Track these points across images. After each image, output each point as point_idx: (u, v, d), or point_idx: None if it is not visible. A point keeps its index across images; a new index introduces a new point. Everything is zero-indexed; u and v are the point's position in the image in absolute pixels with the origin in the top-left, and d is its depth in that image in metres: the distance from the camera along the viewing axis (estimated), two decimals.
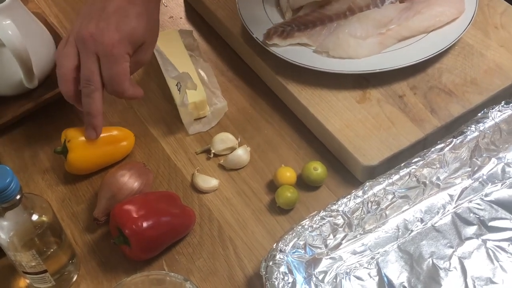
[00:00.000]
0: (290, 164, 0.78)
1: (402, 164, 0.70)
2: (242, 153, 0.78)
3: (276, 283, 0.63)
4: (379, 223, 0.69)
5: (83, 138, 0.75)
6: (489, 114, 0.73)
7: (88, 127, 0.74)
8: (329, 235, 0.67)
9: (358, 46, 0.81)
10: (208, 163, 0.80)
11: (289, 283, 0.63)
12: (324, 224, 0.67)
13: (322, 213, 0.67)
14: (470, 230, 0.69)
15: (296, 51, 0.82)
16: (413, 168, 0.70)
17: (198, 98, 0.81)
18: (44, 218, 0.64)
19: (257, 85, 0.87)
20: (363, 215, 0.68)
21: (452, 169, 0.72)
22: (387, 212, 0.70)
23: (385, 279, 0.66)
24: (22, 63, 0.78)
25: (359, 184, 0.71)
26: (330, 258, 0.67)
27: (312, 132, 0.81)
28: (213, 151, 0.80)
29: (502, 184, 0.72)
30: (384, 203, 0.69)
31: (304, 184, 0.76)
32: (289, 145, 0.81)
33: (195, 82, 0.80)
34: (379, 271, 0.67)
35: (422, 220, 0.70)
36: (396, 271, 0.67)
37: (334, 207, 0.68)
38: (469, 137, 0.72)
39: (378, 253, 0.68)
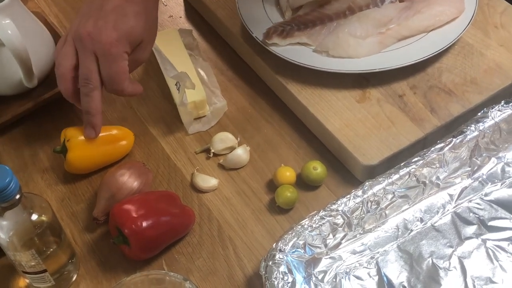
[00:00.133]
0: (290, 163, 0.78)
1: (402, 164, 0.70)
2: (241, 153, 0.78)
3: (275, 282, 0.63)
4: (379, 223, 0.69)
5: (82, 138, 0.75)
6: (489, 113, 0.73)
7: (87, 126, 0.74)
8: (328, 234, 0.67)
9: (358, 46, 0.81)
10: (208, 163, 0.80)
11: (288, 282, 0.63)
12: (323, 223, 0.67)
13: (322, 213, 0.67)
14: (470, 230, 0.69)
15: (295, 50, 0.82)
16: (413, 168, 0.70)
17: (197, 98, 0.81)
18: (43, 218, 0.64)
19: (257, 85, 0.87)
20: (363, 215, 0.68)
21: (452, 168, 0.72)
22: (386, 212, 0.70)
23: (385, 278, 0.66)
24: (21, 63, 0.78)
25: (358, 183, 0.71)
26: (330, 257, 0.67)
27: (311, 132, 0.81)
28: (212, 150, 0.80)
29: (501, 184, 0.72)
30: (384, 202, 0.69)
31: (304, 183, 0.76)
32: (288, 144, 0.81)
33: (195, 82, 0.80)
34: (379, 271, 0.67)
35: (421, 220, 0.70)
36: (396, 271, 0.67)
37: (334, 206, 0.68)
38: (469, 137, 0.71)
39: (378, 252, 0.68)
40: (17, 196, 0.59)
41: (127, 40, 0.70)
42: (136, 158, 0.80)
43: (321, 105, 0.79)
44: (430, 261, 0.67)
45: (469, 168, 0.72)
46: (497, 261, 0.67)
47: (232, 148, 0.80)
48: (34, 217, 0.63)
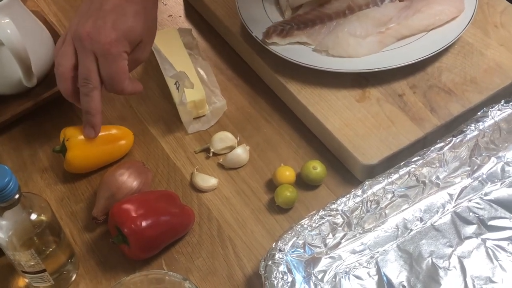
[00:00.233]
0: (290, 163, 0.78)
1: (402, 163, 0.70)
2: (241, 152, 0.78)
3: (275, 282, 0.63)
4: (379, 222, 0.69)
5: (82, 137, 0.75)
6: (489, 113, 0.73)
7: (87, 126, 0.74)
8: (328, 234, 0.67)
9: (358, 45, 0.81)
10: (207, 162, 0.79)
11: (288, 282, 0.63)
12: (323, 223, 0.67)
13: (322, 212, 0.67)
14: (470, 229, 0.69)
15: (295, 49, 0.82)
16: (412, 167, 0.70)
17: (197, 97, 0.81)
18: (43, 217, 0.64)
19: (257, 84, 0.87)
20: (363, 214, 0.68)
21: (452, 168, 0.72)
22: (386, 211, 0.70)
23: (385, 278, 0.66)
24: (21, 62, 0.78)
25: (358, 183, 0.71)
26: (330, 257, 0.67)
27: (311, 131, 0.81)
28: (212, 150, 0.79)
29: (501, 183, 0.72)
30: (384, 202, 0.69)
31: (303, 183, 0.76)
32: (288, 144, 0.80)
33: (194, 81, 0.80)
34: (379, 270, 0.67)
35: (421, 219, 0.70)
36: (396, 270, 0.67)
37: (334, 206, 0.68)
38: (468, 136, 0.71)
39: (378, 252, 0.68)
40: (16, 196, 0.59)
41: (126, 40, 0.70)
42: (136, 158, 0.80)
43: (320, 105, 0.79)
44: (430, 261, 0.67)
45: (469, 168, 0.72)
46: (497, 260, 0.67)
47: (231, 148, 0.80)
48: (33, 216, 0.63)
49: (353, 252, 0.68)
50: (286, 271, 0.64)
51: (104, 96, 0.73)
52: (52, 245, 0.65)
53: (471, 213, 0.70)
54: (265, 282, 0.63)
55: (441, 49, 0.80)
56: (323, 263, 0.67)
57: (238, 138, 0.81)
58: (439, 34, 0.82)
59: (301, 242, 0.66)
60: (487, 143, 0.73)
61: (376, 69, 0.79)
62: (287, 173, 0.75)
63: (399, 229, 0.69)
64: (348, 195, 0.68)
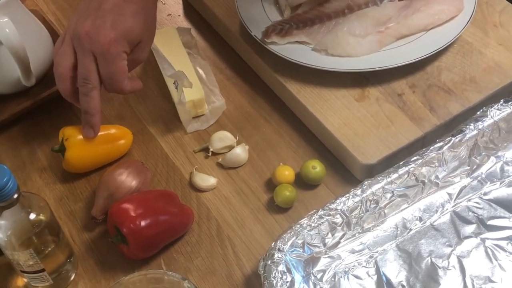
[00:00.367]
0: (289, 162, 0.78)
1: (401, 163, 0.70)
2: (240, 152, 0.78)
3: (274, 282, 0.63)
4: (378, 222, 0.69)
5: (81, 137, 0.75)
6: (488, 112, 0.73)
7: (86, 126, 0.74)
8: (327, 234, 0.67)
9: (357, 44, 0.81)
10: (207, 162, 0.79)
11: (287, 282, 0.63)
12: (322, 223, 0.67)
13: (321, 212, 0.67)
14: (469, 229, 0.69)
15: (294, 49, 0.82)
16: (412, 167, 0.69)
17: (196, 96, 0.81)
18: (41, 217, 0.63)
19: (256, 83, 0.87)
20: (362, 214, 0.68)
21: (451, 167, 0.71)
22: (385, 211, 0.69)
23: (384, 278, 0.66)
24: (19, 61, 0.78)
25: (357, 182, 0.71)
26: (329, 257, 0.67)
27: (310, 131, 0.81)
28: (211, 149, 0.79)
29: (501, 183, 0.72)
30: (383, 201, 0.69)
31: (303, 182, 0.76)
32: (287, 143, 0.80)
33: (193, 80, 0.80)
34: (378, 270, 0.67)
35: (421, 219, 0.70)
36: (395, 270, 0.67)
37: (333, 205, 0.67)
38: (468, 136, 0.71)
39: (377, 252, 0.68)
40: (15, 195, 0.59)
41: (126, 40, 0.70)
42: (135, 157, 0.80)
43: (320, 104, 0.79)
44: (429, 260, 0.67)
45: (468, 167, 0.72)
46: (496, 260, 0.67)
47: (230, 147, 0.80)
48: (32, 216, 0.63)
49: (352, 251, 0.68)
50: (285, 271, 0.64)
51: (103, 95, 0.73)
52: (51, 245, 0.65)
53: (470, 213, 0.70)
54: (264, 282, 0.63)
55: (440, 49, 0.80)
56: (322, 262, 0.67)
57: (237, 138, 0.80)
58: (439, 34, 0.82)
59: (300, 241, 0.66)
60: (487, 143, 0.73)
61: (376, 69, 0.79)
62: (286, 173, 0.75)
63: (398, 229, 0.69)
64: (347, 195, 0.68)
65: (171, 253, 0.71)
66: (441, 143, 0.71)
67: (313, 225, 0.66)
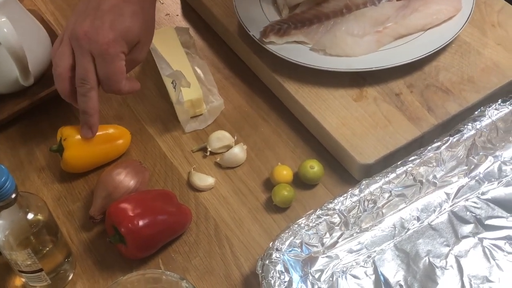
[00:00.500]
0: (287, 162, 0.78)
1: (399, 163, 0.70)
2: (238, 151, 0.78)
3: (272, 281, 0.63)
4: (376, 222, 0.69)
5: (79, 136, 0.75)
6: (486, 112, 0.73)
7: (84, 126, 0.74)
8: (325, 233, 0.67)
9: (355, 44, 0.81)
10: (205, 161, 0.79)
11: (285, 281, 0.63)
12: (320, 222, 0.67)
13: (319, 212, 0.67)
14: (467, 229, 0.69)
15: (292, 49, 0.82)
16: (409, 167, 0.70)
17: (194, 96, 0.81)
18: (39, 217, 0.63)
19: (254, 83, 0.87)
20: (360, 214, 0.68)
21: (449, 167, 0.72)
22: (383, 211, 0.70)
23: (382, 277, 0.66)
24: (17, 61, 0.78)
25: (355, 182, 0.71)
26: (327, 256, 0.67)
27: (308, 130, 0.81)
28: (209, 149, 0.79)
29: (498, 183, 0.72)
30: (381, 201, 0.69)
31: (301, 182, 0.76)
32: (285, 143, 0.80)
33: (191, 80, 0.80)
34: (376, 270, 0.67)
35: (418, 219, 0.70)
36: (393, 270, 0.67)
37: (331, 205, 0.68)
38: (465, 136, 0.71)
39: (375, 251, 0.68)
40: (13, 195, 0.59)
41: (124, 40, 0.70)
42: (133, 157, 0.80)
43: (318, 104, 0.79)
44: (427, 260, 0.67)
45: (466, 167, 0.72)
46: (494, 260, 0.67)
47: (229, 147, 0.80)
48: (30, 216, 0.63)
49: (350, 251, 0.68)
50: (283, 271, 0.64)
51: (101, 95, 0.73)
52: (49, 245, 0.65)
53: (468, 212, 0.70)
54: (262, 282, 0.63)
55: (438, 48, 0.80)
56: (320, 262, 0.67)
57: (235, 137, 0.80)
58: (437, 33, 0.82)
59: (298, 241, 0.66)
60: (484, 142, 0.73)
61: (374, 68, 0.79)
62: (284, 172, 0.75)
63: (396, 229, 0.69)
64: (345, 195, 0.68)
65: (169, 253, 0.71)
66: (439, 143, 0.71)
67: (311, 224, 0.66)
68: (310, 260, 0.66)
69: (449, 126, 0.75)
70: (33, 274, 0.66)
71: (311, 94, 0.80)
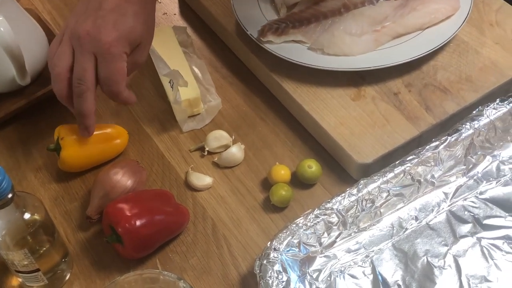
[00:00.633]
0: (285, 162, 0.78)
1: (397, 162, 0.70)
2: (236, 151, 0.78)
3: (270, 281, 0.62)
4: (374, 221, 0.69)
5: (76, 136, 0.75)
6: (484, 111, 0.73)
7: (81, 126, 0.73)
8: (323, 233, 0.67)
9: (353, 43, 0.81)
10: (202, 161, 0.79)
11: (283, 281, 0.63)
12: (318, 222, 0.67)
13: (317, 211, 0.67)
14: (465, 228, 0.69)
15: (290, 48, 0.82)
16: (407, 166, 0.69)
17: (192, 95, 0.81)
18: (36, 217, 0.63)
19: (252, 82, 0.87)
20: (358, 213, 0.68)
21: (447, 167, 0.71)
22: (381, 210, 0.69)
23: (380, 277, 0.66)
24: (14, 60, 0.78)
25: (353, 182, 0.71)
26: (325, 256, 0.67)
27: (306, 130, 0.81)
28: (207, 148, 0.79)
29: (497, 182, 0.72)
30: (379, 201, 0.69)
31: (299, 182, 0.75)
32: (283, 142, 0.80)
33: (189, 79, 0.80)
34: (374, 269, 0.67)
35: (416, 218, 0.70)
36: (391, 269, 0.67)
37: (329, 205, 0.67)
38: (464, 135, 0.71)
39: (373, 251, 0.68)
40: (10, 195, 0.58)
41: (127, 41, 0.69)
42: (130, 157, 0.80)
43: (316, 103, 0.79)
44: (425, 260, 0.67)
45: (464, 167, 0.72)
46: (492, 259, 0.67)
47: (226, 146, 0.79)
48: (27, 216, 0.62)
49: (348, 251, 0.68)
50: (281, 270, 0.64)
51: (99, 95, 0.73)
52: (45, 245, 0.65)
53: (466, 212, 0.70)
54: (260, 282, 0.63)
55: (436, 48, 0.80)
56: (318, 262, 0.67)
57: (233, 137, 0.80)
58: (435, 33, 0.82)
59: (296, 241, 0.66)
60: (483, 142, 0.73)
61: (372, 68, 0.79)
62: (282, 172, 0.75)
63: (394, 228, 0.69)
64: (343, 194, 0.68)
65: (167, 253, 0.71)
66: (437, 142, 0.71)
67: (309, 224, 0.66)
68: (308, 260, 0.66)
69: (447, 126, 0.75)
70: (30, 274, 0.65)
71: (309, 94, 0.80)
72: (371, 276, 0.66)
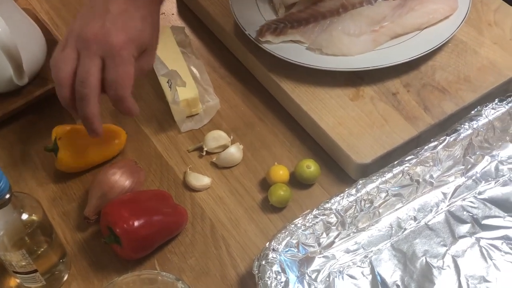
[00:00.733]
0: (283, 162, 0.77)
1: (395, 162, 0.70)
2: (234, 151, 0.78)
3: (269, 282, 0.62)
4: (372, 222, 0.69)
5: (74, 136, 0.75)
6: (483, 111, 0.73)
7: (89, 131, 0.71)
8: (322, 233, 0.67)
9: (351, 43, 0.81)
10: (201, 161, 0.79)
11: (282, 282, 0.63)
12: (317, 222, 0.67)
13: (315, 212, 0.67)
14: (464, 228, 0.69)
15: (289, 48, 0.82)
16: (406, 166, 0.69)
17: (190, 96, 0.81)
18: (34, 217, 0.63)
19: (250, 82, 0.87)
20: (356, 214, 0.68)
21: (446, 167, 0.71)
22: (380, 211, 0.69)
23: (378, 277, 0.66)
24: (11, 60, 0.78)
25: (352, 182, 0.70)
26: (323, 256, 0.67)
27: (305, 130, 0.80)
28: (205, 149, 0.79)
29: (495, 182, 0.72)
30: (377, 201, 0.69)
31: (297, 182, 0.75)
32: (282, 142, 0.80)
33: (187, 79, 0.80)
34: (372, 270, 0.67)
35: (415, 218, 0.70)
36: (390, 270, 0.67)
37: (327, 205, 0.67)
38: (462, 135, 0.71)
39: (371, 251, 0.68)
40: (7, 196, 0.58)
41: (135, 44, 0.67)
42: (128, 157, 0.80)
43: (314, 103, 0.79)
44: (424, 260, 0.67)
45: (463, 167, 0.72)
46: (491, 259, 0.67)
47: (225, 147, 0.79)
48: (25, 216, 0.62)
49: (347, 251, 0.68)
50: (280, 271, 0.63)
51: None
52: (43, 245, 0.65)
53: (465, 212, 0.70)
54: (259, 282, 0.63)
55: (435, 48, 0.80)
56: (317, 262, 0.66)
57: (232, 137, 0.80)
58: (433, 33, 0.82)
59: (294, 241, 0.66)
60: (481, 142, 0.72)
61: (370, 68, 0.79)
62: (280, 172, 0.75)
63: (393, 228, 0.69)
64: (342, 194, 0.68)
65: (165, 253, 0.71)
66: (436, 143, 0.71)
67: (307, 224, 0.66)
68: (307, 260, 0.66)
69: (446, 126, 0.75)
70: (28, 275, 0.65)
71: (307, 94, 0.80)
72: (370, 277, 0.66)
